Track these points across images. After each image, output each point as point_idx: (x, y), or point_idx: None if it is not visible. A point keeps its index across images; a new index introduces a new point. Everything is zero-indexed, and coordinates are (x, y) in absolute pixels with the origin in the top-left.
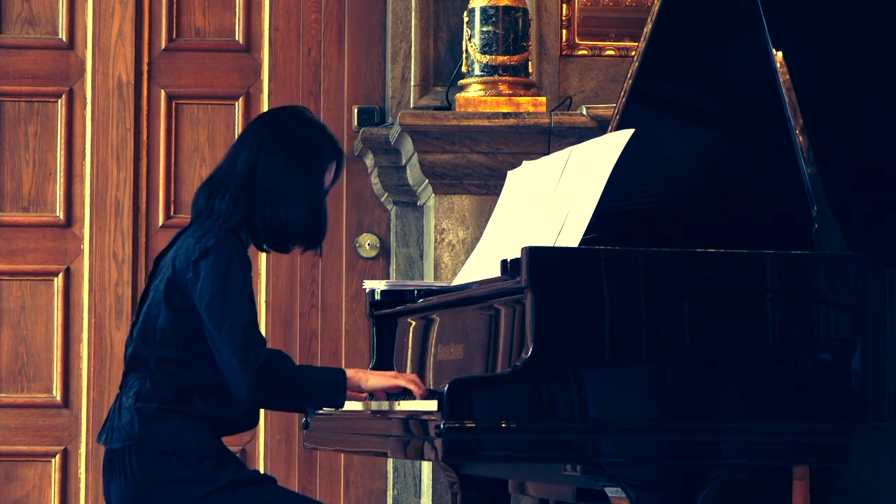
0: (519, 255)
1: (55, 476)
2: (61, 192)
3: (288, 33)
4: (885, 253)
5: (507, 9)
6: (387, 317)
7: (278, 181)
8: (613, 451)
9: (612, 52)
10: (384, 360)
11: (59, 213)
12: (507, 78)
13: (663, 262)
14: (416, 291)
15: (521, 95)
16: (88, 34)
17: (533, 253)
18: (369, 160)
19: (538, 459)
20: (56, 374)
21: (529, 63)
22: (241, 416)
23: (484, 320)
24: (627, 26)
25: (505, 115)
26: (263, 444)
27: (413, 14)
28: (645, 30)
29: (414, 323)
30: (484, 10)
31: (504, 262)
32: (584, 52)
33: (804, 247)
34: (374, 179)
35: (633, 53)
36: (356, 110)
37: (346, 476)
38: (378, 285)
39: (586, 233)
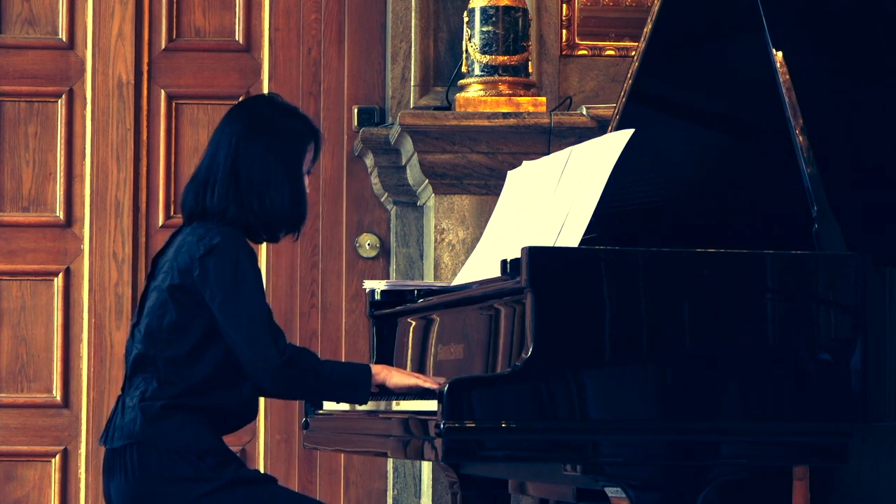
0: (519, 255)
1: (55, 476)
2: (61, 192)
3: (288, 33)
4: (885, 253)
5: (507, 9)
6: (387, 317)
7: (261, 172)
8: (613, 451)
9: (612, 52)
10: (384, 360)
11: (59, 213)
12: (507, 78)
13: (663, 262)
14: (416, 291)
15: (521, 95)
16: (88, 34)
17: (533, 253)
18: (369, 160)
19: (538, 459)
20: (56, 374)
21: (529, 63)
22: (244, 404)
23: (484, 320)
24: (627, 26)
25: (505, 115)
26: (263, 443)
27: (413, 14)
28: (645, 30)
29: (414, 323)
30: (484, 10)
31: (504, 262)
32: (584, 52)
33: (804, 247)
34: (374, 179)
35: (633, 53)
36: (356, 110)
37: (346, 476)
38: (378, 285)
39: (586, 233)
